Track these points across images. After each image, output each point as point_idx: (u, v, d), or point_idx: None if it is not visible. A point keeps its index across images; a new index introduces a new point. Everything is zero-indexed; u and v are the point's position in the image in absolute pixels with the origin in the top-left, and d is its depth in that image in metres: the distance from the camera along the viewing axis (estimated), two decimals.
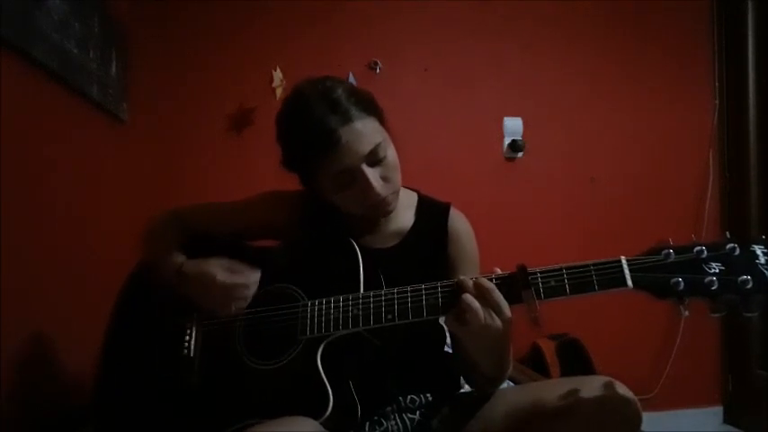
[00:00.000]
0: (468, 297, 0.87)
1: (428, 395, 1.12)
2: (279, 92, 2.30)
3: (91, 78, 1.75)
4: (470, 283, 0.89)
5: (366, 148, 1.00)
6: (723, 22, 2.66)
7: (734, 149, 2.63)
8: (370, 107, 1.05)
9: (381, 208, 1.07)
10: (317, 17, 2.36)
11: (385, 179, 1.04)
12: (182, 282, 1.08)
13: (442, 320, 1.21)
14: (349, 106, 1.00)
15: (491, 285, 0.88)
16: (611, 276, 0.84)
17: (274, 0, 2.34)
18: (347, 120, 0.99)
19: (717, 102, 2.65)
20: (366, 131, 1.01)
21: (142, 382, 1.11)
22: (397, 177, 1.07)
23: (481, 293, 0.88)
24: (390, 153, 1.06)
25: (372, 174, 1.02)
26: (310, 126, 0.99)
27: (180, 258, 1.12)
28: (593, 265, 0.86)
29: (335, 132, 0.98)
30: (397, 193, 1.08)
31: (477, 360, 0.98)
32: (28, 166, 1.39)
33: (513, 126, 2.50)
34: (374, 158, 1.02)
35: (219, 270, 1.04)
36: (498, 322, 0.88)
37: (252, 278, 1.05)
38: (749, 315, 0.77)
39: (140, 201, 2.11)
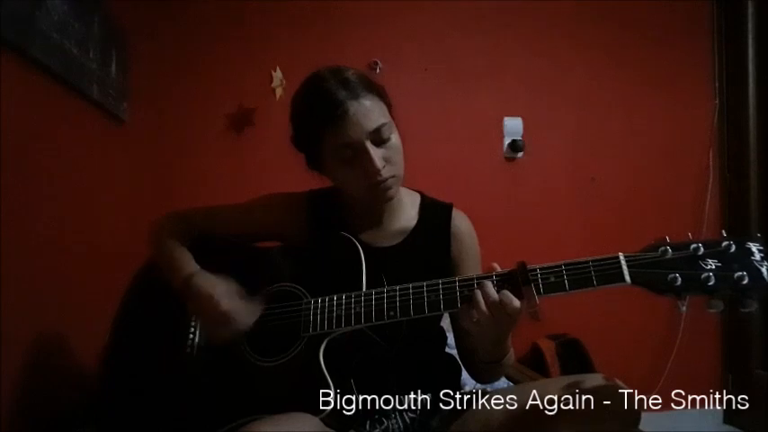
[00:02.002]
0: (482, 303, 0.90)
1: (428, 395, 1.13)
2: (279, 92, 2.31)
3: (91, 78, 1.75)
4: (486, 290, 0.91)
5: (372, 124, 1.02)
6: (723, 22, 2.67)
7: (734, 149, 2.63)
8: (379, 91, 1.08)
9: (382, 191, 1.07)
10: (317, 17, 2.37)
11: (388, 160, 1.05)
12: (186, 293, 1.08)
13: (443, 321, 1.23)
14: (358, 84, 1.03)
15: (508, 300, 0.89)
16: (609, 272, 0.85)
17: (274, 0, 2.34)
18: (356, 95, 1.02)
19: (717, 102, 2.66)
20: (373, 109, 1.03)
21: (146, 378, 1.12)
22: (400, 162, 1.08)
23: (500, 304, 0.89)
24: (395, 137, 1.07)
25: (375, 152, 1.03)
26: (320, 97, 1.03)
27: (190, 267, 1.12)
28: (592, 261, 0.87)
29: (344, 104, 1.00)
30: (398, 178, 1.08)
31: (479, 347, 1.01)
32: (28, 166, 1.39)
33: (513, 126, 2.51)
34: (378, 137, 1.03)
35: (225, 296, 1.04)
36: (508, 324, 0.91)
37: (253, 312, 1.05)
38: (745, 311, 0.78)
39: (140, 201, 2.12)
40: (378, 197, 1.09)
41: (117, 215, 1.98)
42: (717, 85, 2.66)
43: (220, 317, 1.02)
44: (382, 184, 1.05)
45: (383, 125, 1.03)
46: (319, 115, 1.03)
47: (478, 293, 0.90)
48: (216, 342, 1.07)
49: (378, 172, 1.03)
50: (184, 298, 1.08)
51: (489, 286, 0.90)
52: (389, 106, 1.10)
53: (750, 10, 2.56)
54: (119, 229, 1.95)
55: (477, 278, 0.93)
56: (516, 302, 0.88)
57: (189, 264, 1.13)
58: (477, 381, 1.20)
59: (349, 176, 1.07)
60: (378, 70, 2.39)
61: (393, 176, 1.06)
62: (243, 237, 1.22)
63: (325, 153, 1.07)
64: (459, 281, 0.95)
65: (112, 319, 1.20)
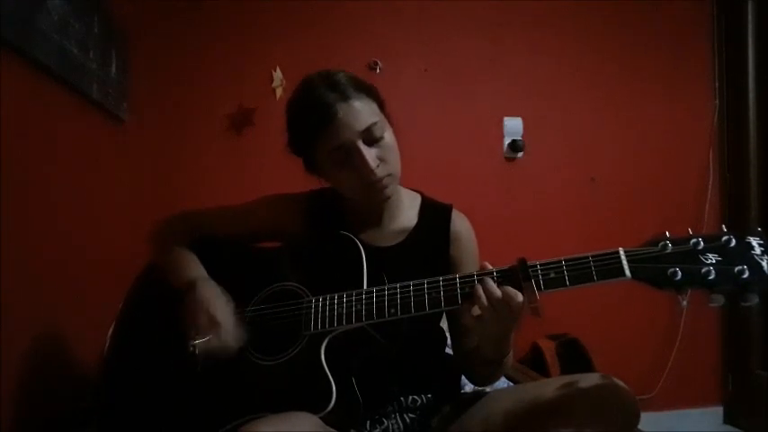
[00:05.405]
0: (484, 298, 0.89)
1: (429, 395, 1.13)
2: (279, 92, 2.31)
3: (91, 78, 1.75)
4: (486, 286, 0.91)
5: (362, 124, 1.02)
6: (723, 23, 2.67)
7: (734, 149, 2.63)
8: (369, 91, 1.08)
9: (378, 190, 1.07)
10: (317, 17, 2.37)
11: (382, 159, 1.05)
12: (187, 296, 1.08)
13: (442, 323, 1.22)
14: (347, 86, 1.04)
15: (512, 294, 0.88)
16: (609, 267, 0.85)
17: (274, 0, 2.35)
18: (345, 97, 1.03)
19: (717, 102, 2.66)
20: (362, 109, 1.04)
21: (147, 377, 1.12)
22: (395, 160, 1.08)
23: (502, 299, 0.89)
24: (388, 135, 1.07)
25: (368, 151, 1.03)
26: (310, 102, 1.04)
27: (196, 271, 1.13)
28: (592, 256, 0.87)
29: (333, 107, 1.01)
30: (394, 177, 1.08)
31: (480, 344, 1.00)
32: (28, 166, 1.39)
33: (513, 126, 2.51)
34: (370, 137, 1.04)
35: (222, 310, 1.04)
36: (510, 320, 0.90)
37: (239, 337, 1.05)
38: (746, 305, 0.78)
39: (140, 201, 2.12)
40: (375, 197, 1.09)
41: (117, 215, 1.98)
42: (717, 85, 2.67)
43: (213, 328, 1.02)
44: (378, 184, 1.05)
45: (374, 124, 1.03)
46: (310, 120, 1.04)
47: (479, 288, 0.90)
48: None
49: (372, 171, 1.03)
50: (185, 300, 1.08)
51: (490, 282, 0.90)
52: (382, 104, 1.11)
53: (750, 10, 2.56)
54: (119, 228, 1.95)
55: (478, 274, 0.93)
56: (519, 297, 0.88)
57: (195, 268, 1.14)
58: (475, 384, 1.20)
59: (344, 178, 1.07)
60: (378, 70, 2.39)
61: (389, 175, 1.06)
62: (244, 237, 1.23)
63: (320, 157, 1.08)
64: (459, 278, 0.95)
65: (115, 318, 1.20)
